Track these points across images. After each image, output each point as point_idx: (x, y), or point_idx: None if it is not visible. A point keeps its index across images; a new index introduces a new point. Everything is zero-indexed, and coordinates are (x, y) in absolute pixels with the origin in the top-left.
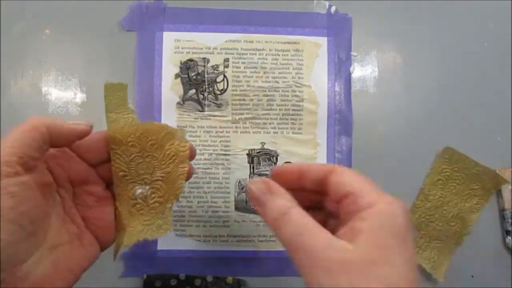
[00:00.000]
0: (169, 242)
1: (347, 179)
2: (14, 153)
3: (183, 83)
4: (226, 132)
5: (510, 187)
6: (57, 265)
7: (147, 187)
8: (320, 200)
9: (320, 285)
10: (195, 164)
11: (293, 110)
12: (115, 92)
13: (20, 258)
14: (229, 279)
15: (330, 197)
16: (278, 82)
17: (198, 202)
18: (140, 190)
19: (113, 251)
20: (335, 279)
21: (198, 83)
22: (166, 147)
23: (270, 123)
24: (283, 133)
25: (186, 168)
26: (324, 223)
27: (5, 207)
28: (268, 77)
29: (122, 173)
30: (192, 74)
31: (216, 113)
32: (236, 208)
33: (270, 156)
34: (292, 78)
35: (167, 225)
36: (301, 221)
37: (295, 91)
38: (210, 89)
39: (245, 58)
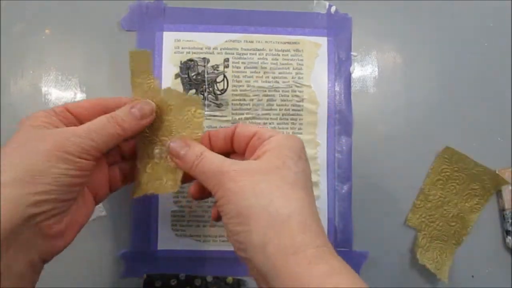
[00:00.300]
0: (169, 242)
1: (250, 126)
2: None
3: (183, 83)
4: None
5: (510, 187)
6: (69, 219)
7: (164, 148)
8: None
9: (229, 191)
10: None
11: (293, 110)
12: (140, 59)
13: (57, 213)
14: (229, 279)
15: (239, 143)
16: (278, 82)
17: (198, 202)
18: (157, 150)
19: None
20: (241, 182)
21: (198, 83)
22: (183, 112)
23: (270, 123)
24: (283, 133)
25: (199, 134)
26: None
27: (73, 175)
28: (268, 77)
29: (144, 135)
30: (192, 74)
31: (216, 113)
32: None
33: None
34: (292, 78)
35: (175, 184)
36: (214, 155)
37: (295, 91)
38: (210, 89)
39: (245, 58)
